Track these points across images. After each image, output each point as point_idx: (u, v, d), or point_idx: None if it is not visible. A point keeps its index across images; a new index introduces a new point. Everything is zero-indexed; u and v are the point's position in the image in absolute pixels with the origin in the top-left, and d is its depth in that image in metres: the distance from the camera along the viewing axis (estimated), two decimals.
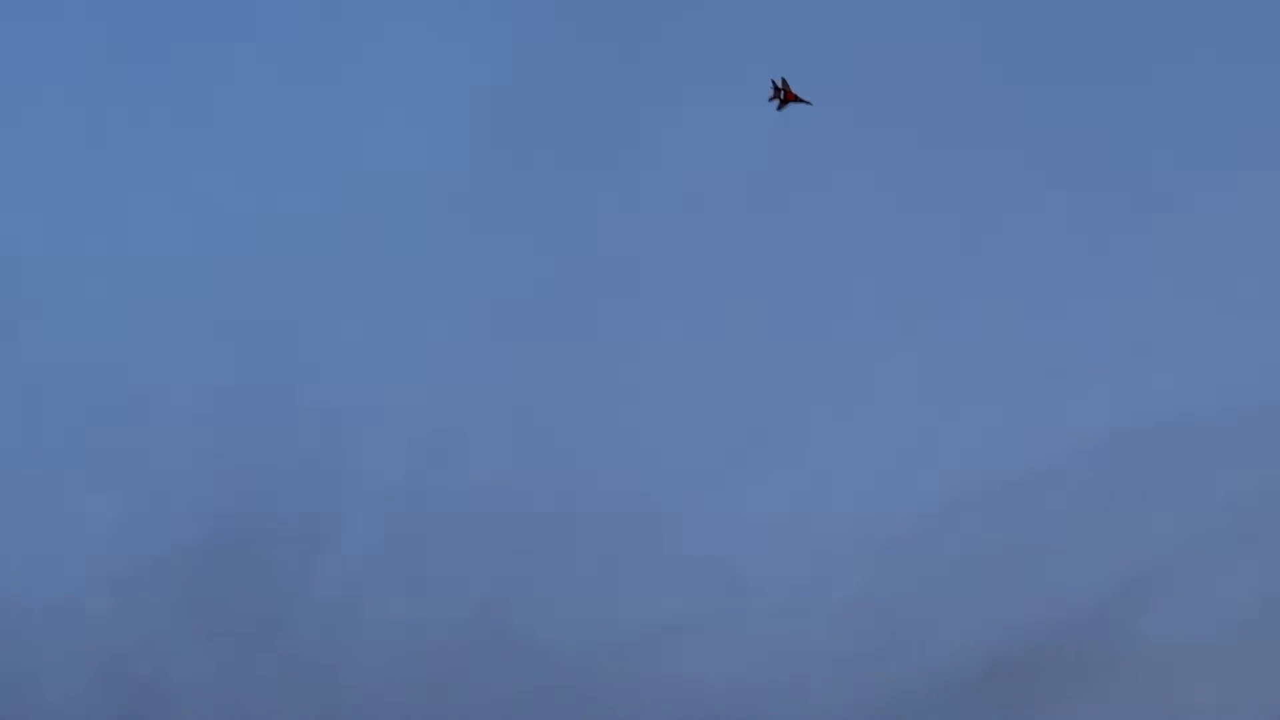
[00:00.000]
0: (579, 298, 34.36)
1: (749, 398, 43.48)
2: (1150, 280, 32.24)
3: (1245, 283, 32.26)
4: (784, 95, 32.14)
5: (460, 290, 35.26)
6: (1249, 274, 33.50)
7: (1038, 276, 34.65)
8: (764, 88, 29.51)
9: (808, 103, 33.53)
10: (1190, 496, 36.77)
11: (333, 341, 35.28)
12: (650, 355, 37.96)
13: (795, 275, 37.52)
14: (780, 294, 37.32)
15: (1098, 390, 33.25)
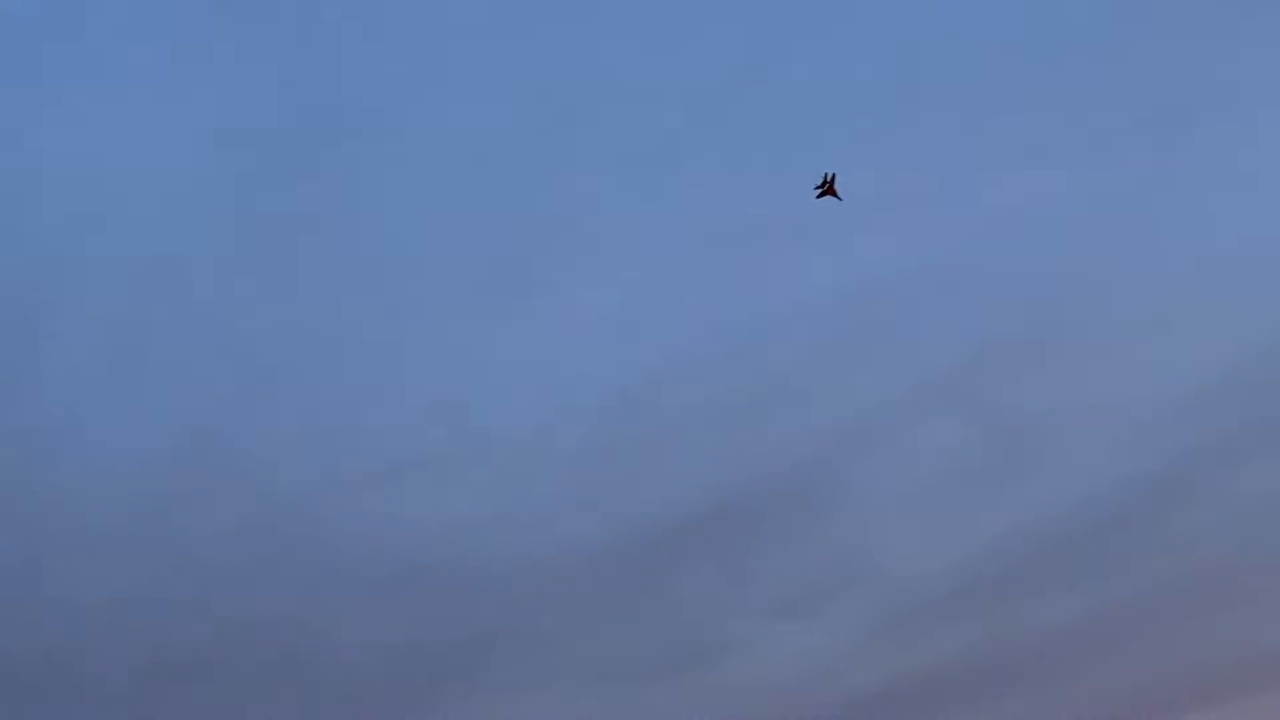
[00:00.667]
0: (318, 127, 33.63)
1: (497, 239, 43.44)
2: (881, 148, 33.45)
3: (970, 152, 33.79)
4: (827, 187, 33.38)
5: (191, 113, 34.16)
6: (976, 145, 35.13)
7: (777, 138, 35.62)
8: None
9: (840, 199, 34.92)
10: (903, 356, 39.12)
11: (54, 153, 33.87)
12: (395, 188, 37.56)
13: (552, 120, 37.46)
14: (534, 139, 37.25)
15: (822, 250, 34.60)
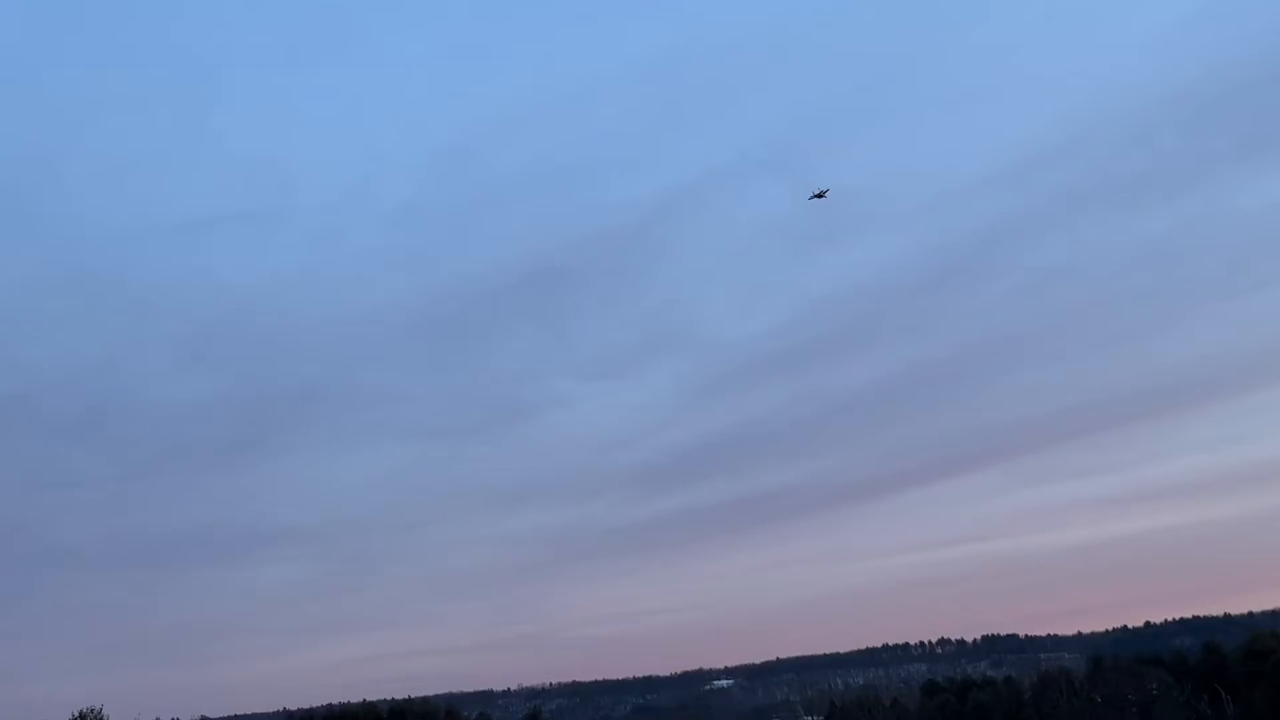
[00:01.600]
0: None
1: None
2: None
3: None
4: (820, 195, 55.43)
5: None
6: None
7: None
8: None
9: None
10: (728, 122, 41.85)
11: None
12: None
13: None
14: None
15: (652, 9, 37.10)
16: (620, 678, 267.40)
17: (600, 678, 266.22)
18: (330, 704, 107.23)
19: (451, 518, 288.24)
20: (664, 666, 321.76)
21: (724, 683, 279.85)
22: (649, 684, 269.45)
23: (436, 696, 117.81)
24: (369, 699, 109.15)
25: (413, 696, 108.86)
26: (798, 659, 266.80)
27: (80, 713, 79.98)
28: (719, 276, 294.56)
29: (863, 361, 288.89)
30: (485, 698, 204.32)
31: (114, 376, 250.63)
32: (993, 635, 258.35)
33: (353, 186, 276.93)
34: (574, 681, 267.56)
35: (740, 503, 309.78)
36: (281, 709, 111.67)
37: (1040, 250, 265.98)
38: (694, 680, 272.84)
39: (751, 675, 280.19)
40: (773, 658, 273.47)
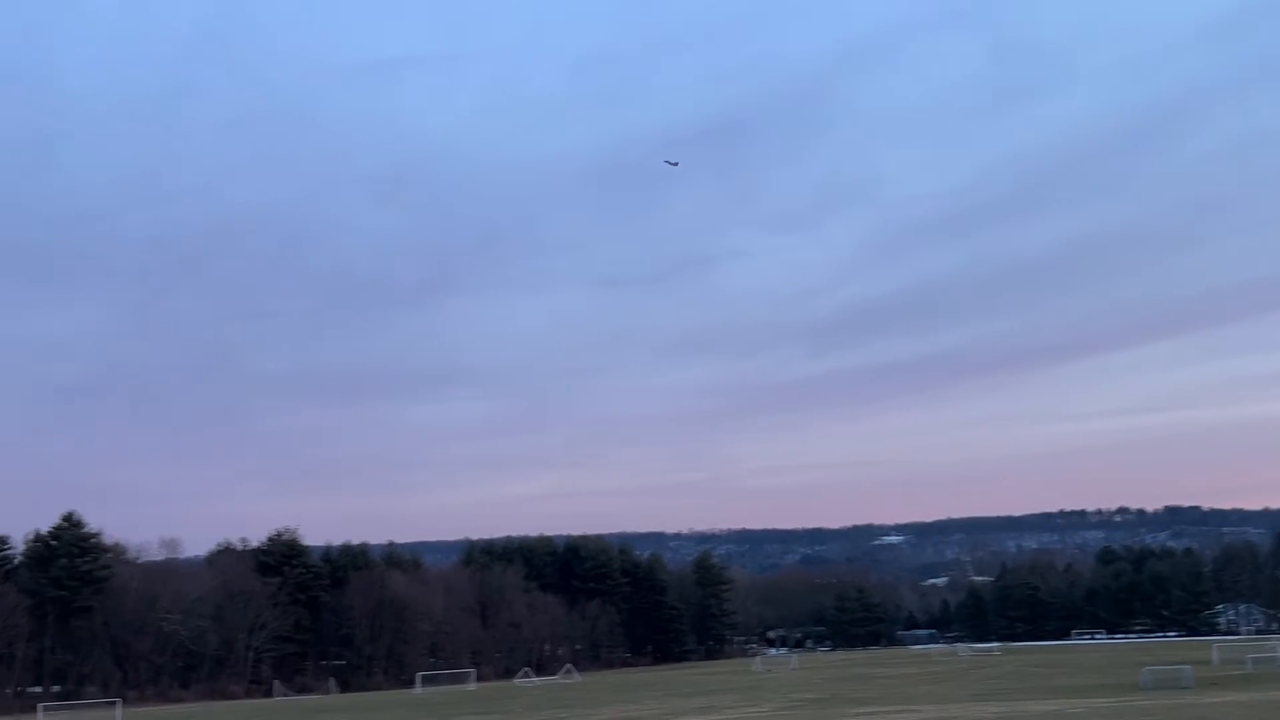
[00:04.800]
0: None
1: None
2: None
3: None
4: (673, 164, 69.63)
5: None
6: None
7: None
8: None
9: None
10: None
11: None
12: None
13: None
14: None
15: None
16: (789, 528, 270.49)
17: (769, 526, 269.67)
18: (509, 536, 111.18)
19: (627, 364, 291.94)
20: (833, 519, 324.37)
21: (893, 539, 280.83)
22: (817, 535, 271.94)
23: (610, 535, 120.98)
24: (545, 534, 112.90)
25: (587, 534, 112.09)
26: (969, 519, 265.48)
27: (277, 532, 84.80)
28: (902, 132, 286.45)
29: (1047, 224, 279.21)
30: (656, 539, 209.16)
31: (309, 213, 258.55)
32: (1174, 506, 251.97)
33: (536, 31, 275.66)
34: (743, 529, 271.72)
35: (915, 362, 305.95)
36: (464, 538, 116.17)
37: (1241, 115, 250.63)
38: (862, 534, 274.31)
39: (921, 533, 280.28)
40: (944, 517, 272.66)
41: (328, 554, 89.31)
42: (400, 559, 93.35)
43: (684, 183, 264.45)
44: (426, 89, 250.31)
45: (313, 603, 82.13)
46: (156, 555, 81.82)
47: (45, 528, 73.73)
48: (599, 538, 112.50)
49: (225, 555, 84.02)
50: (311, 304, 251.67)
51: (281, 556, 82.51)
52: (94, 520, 75.73)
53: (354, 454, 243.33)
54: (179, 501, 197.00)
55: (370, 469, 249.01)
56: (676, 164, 77.82)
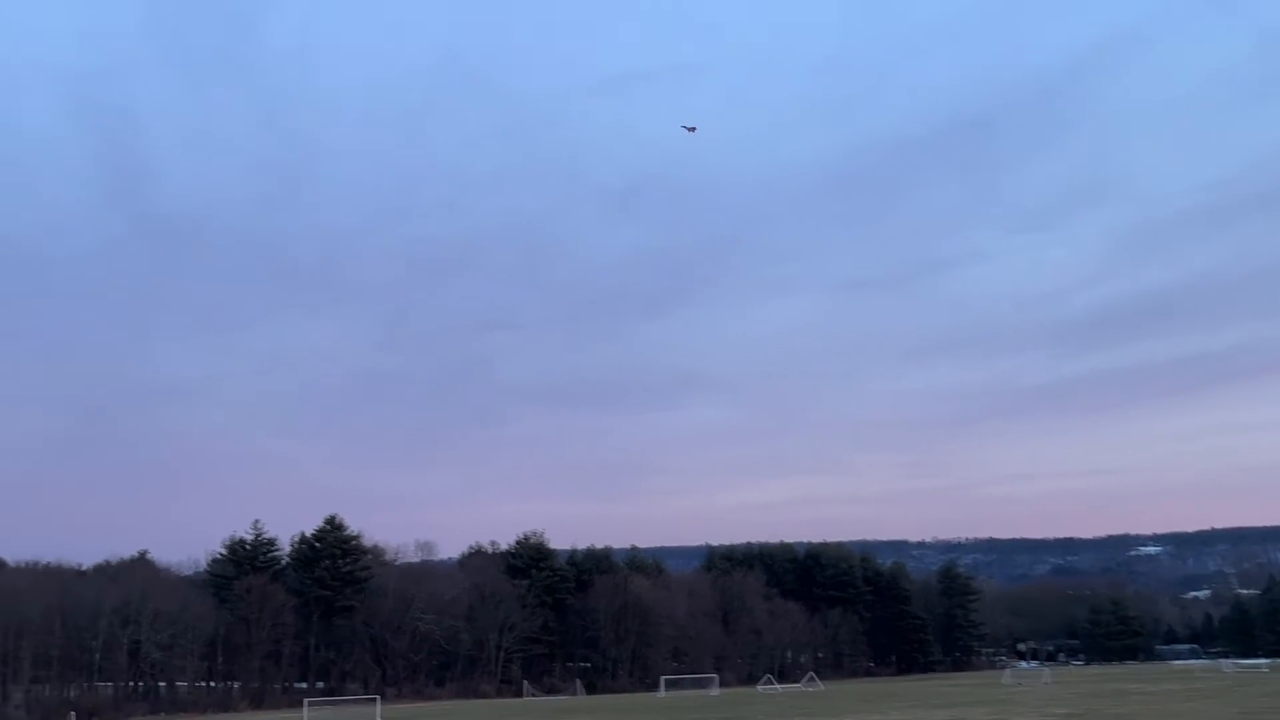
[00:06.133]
0: None
1: None
2: None
3: None
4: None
5: None
6: None
7: None
8: None
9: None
10: None
11: None
12: None
13: None
14: None
15: None
16: (1038, 537, 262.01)
17: (1017, 535, 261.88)
18: (750, 542, 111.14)
19: (865, 369, 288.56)
20: (1086, 529, 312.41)
21: (1150, 549, 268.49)
22: (1069, 545, 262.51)
23: (851, 542, 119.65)
24: (785, 540, 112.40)
25: (827, 541, 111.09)
26: (1234, 529, 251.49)
27: (525, 535, 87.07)
28: (1156, 126, 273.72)
29: None
30: (899, 547, 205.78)
31: (549, 226, 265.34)
32: None
33: (772, 39, 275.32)
34: (990, 538, 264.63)
35: (1174, 364, 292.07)
36: (704, 543, 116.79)
37: None
38: (1117, 544, 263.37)
39: (1181, 543, 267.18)
40: (1206, 526, 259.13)
41: (573, 557, 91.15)
42: (643, 563, 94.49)
43: (923, 184, 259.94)
44: (664, 100, 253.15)
45: (559, 605, 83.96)
46: (413, 557, 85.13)
47: (309, 530, 77.68)
48: (840, 545, 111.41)
49: (476, 557, 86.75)
50: (553, 314, 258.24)
51: (529, 559, 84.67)
52: (354, 523, 79.42)
53: (597, 459, 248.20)
54: (432, 505, 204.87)
55: (613, 474, 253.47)
56: (694, 129, 78.28)
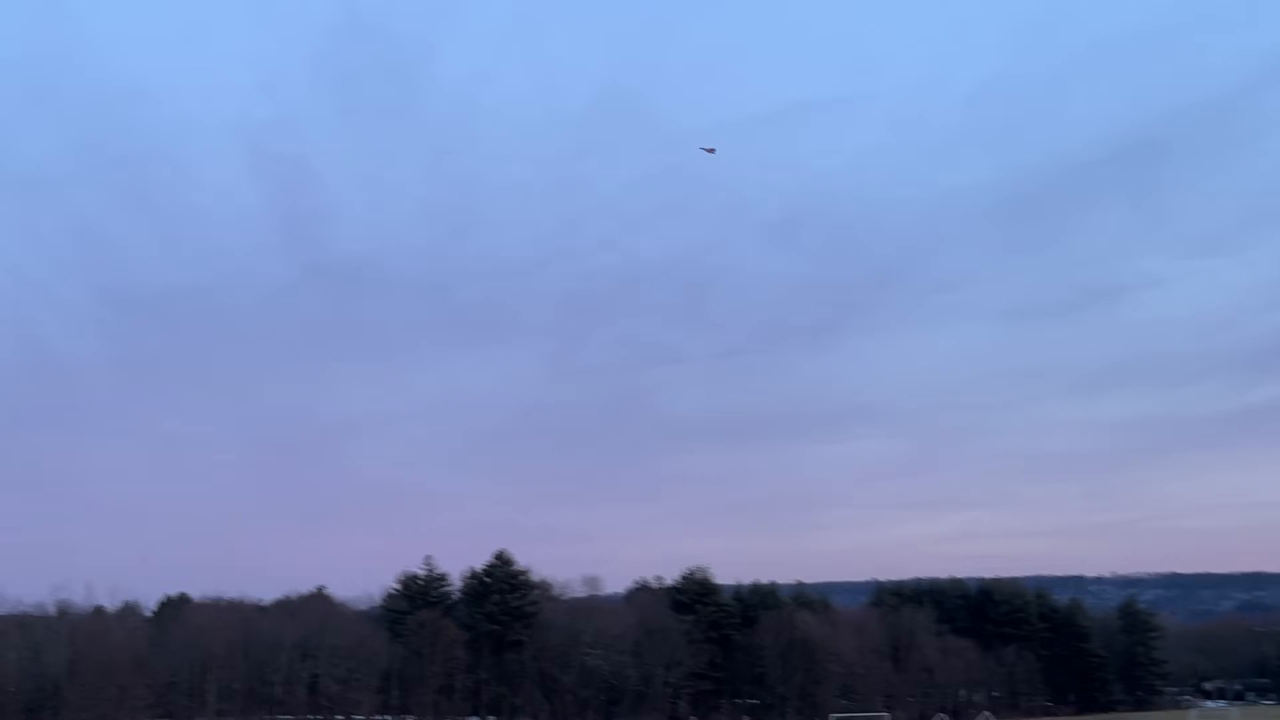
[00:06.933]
0: None
1: None
2: None
3: None
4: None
5: None
6: None
7: None
8: None
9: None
10: None
11: None
12: None
13: None
14: None
15: None
16: (1224, 571, 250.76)
17: (1201, 570, 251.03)
18: (918, 578, 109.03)
19: (1033, 399, 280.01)
20: (1275, 562, 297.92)
21: None
22: (1257, 580, 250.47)
23: (1024, 577, 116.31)
24: (955, 575, 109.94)
25: (1000, 576, 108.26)
26: None
27: (690, 570, 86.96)
28: None
29: None
30: (1075, 583, 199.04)
31: (711, 260, 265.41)
32: None
33: (933, 66, 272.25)
34: (1172, 572, 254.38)
35: None
36: (871, 579, 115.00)
37: None
38: None
39: None
40: None
41: (738, 593, 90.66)
42: (809, 599, 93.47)
43: (1092, 209, 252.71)
44: (822, 132, 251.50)
45: (725, 641, 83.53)
46: (579, 592, 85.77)
47: (478, 565, 78.88)
48: (1013, 580, 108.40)
49: (642, 593, 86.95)
50: (715, 348, 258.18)
51: (694, 595, 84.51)
52: (521, 558, 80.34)
53: (760, 493, 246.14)
54: (598, 540, 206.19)
55: (776, 509, 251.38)
56: (713, 150, 76.88)
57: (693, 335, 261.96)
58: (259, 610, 78.33)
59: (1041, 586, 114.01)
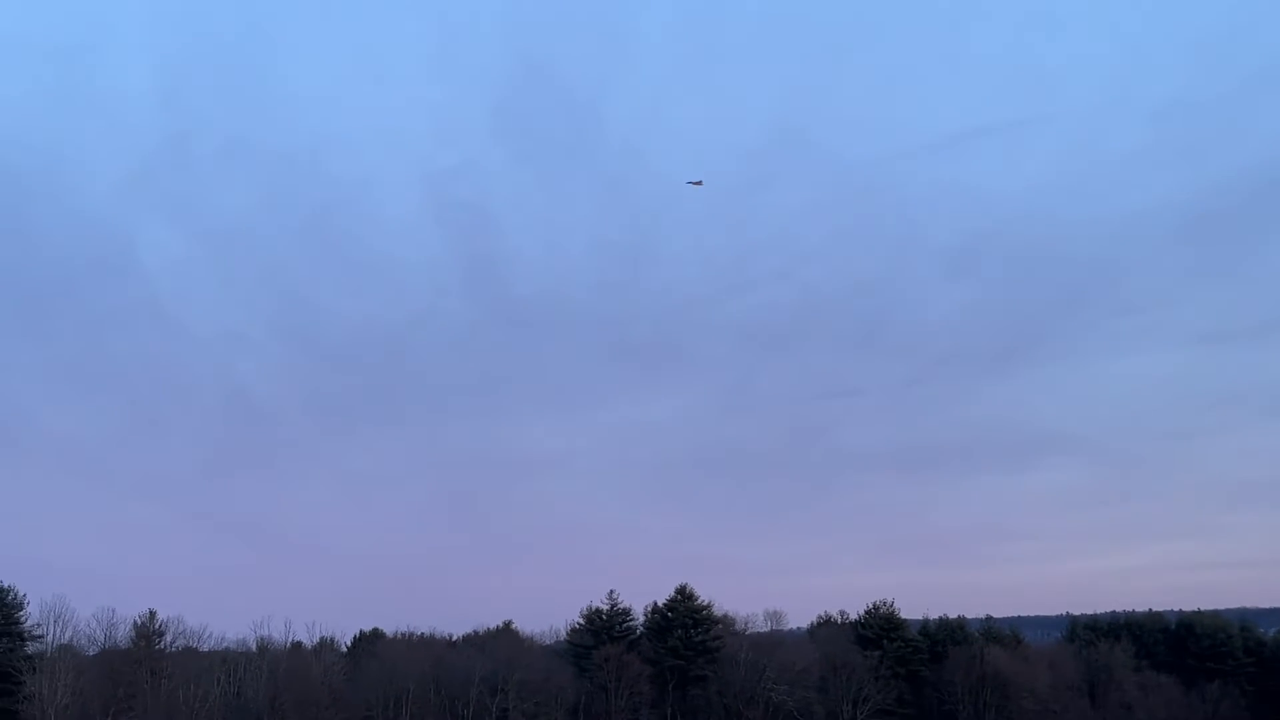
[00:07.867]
0: None
1: None
2: None
3: None
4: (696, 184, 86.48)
5: None
6: None
7: None
8: None
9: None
10: None
11: None
12: None
13: None
14: None
15: None
16: None
17: None
18: (1114, 611, 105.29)
19: (1231, 425, 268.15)
20: None
21: None
22: None
23: (1227, 610, 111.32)
24: (1153, 609, 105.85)
25: (1201, 609, 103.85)
26: None
27: (875, 605, 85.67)
28: None
29: None
30: None
31: (887, 289, 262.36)
32: None
33: (1112, 85, 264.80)
34: None
35: None
36: (1065, 613, 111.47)
37: None
38: None
39: None
40: None
41: (925, 627, 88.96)
42: (999, 634, 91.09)
43: None
44: (999, 157, 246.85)
45: (913, 676, 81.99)
46: (762, 627, 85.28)
47: (661, 600, 79.10)
48: (1215, 613, 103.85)
49: (825, 627, 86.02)
50: (894, 379, 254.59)
51: (880, 629, 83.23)
52: (703, 592, 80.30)
53: (944, 525, 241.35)
54: (780, 574, 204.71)
55: (961, 540, 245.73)
56: (700, 183, 73.56)
57: (870, 366, 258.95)
58: (449, 645, 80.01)
59: (1246, 619, 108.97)
